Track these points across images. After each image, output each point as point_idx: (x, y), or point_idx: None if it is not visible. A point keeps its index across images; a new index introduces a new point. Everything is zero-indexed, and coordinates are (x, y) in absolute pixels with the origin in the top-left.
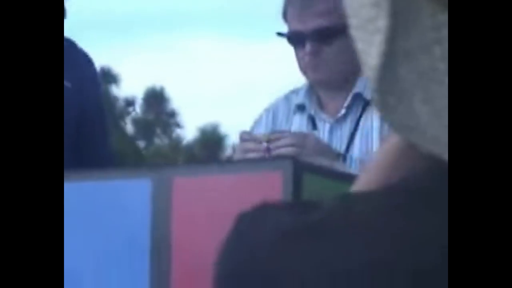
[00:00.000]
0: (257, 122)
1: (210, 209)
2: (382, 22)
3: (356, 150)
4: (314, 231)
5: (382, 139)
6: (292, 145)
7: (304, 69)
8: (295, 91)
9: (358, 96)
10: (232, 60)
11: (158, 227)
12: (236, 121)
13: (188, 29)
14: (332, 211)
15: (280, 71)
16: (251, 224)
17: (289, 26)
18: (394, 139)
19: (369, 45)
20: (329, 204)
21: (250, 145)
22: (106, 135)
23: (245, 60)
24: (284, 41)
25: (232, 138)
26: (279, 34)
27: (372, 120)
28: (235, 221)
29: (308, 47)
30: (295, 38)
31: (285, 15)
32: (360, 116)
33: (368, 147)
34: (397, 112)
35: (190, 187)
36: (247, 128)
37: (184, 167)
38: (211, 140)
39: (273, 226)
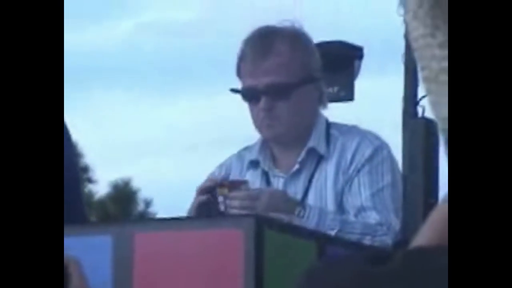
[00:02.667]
0: (210, 176)
1: (171, 266)
2: None
3: (311, 203)
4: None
5: (336, 193)
6: (245, 206)
7: (258, 126)
8: (248, 148)
9: (311, 151)
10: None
11: (119, 283)
12: (149, 175)
13: (99, 83)
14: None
15: (191, 126)
16: (323, 280)
17: (243, 82)
18: None
19: (442, 96)
20: (399, 257)
21: (202, 198)
22: (78, 190)
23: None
24: (187, 97)
25: (145, 192)
26: (233, 90)
27: (326, 175)
28: (304, 278)
29: (262, 103)
30: (249, 94)
31: (238, 71)
32: (314, 171)
33: (323, 201)
34: None
35: (152, 243)
36: (159, 181)
37: (146, 222)
38: (123, 195)
39: (350, 276)
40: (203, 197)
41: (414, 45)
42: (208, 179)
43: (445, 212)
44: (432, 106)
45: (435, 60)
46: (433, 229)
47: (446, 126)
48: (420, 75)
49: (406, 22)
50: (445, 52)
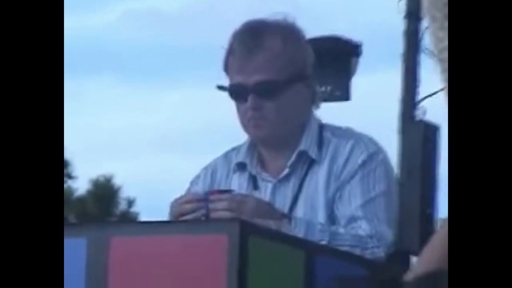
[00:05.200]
0: (194, 182)
1: (149, 272)
2: None
3: (300, 211)
4: None
5: (327, 200)
6: (230, 209)
7: (245, 125)
8: (235, 149)
9: (303, 154)
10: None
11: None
12: (131, 173)
13: (81, 73)
14: None
15: (177, 124)
16: None
17: (230, 78)
18: None
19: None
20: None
21: (187, 206)
22: None
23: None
24: (174, 92)
25: (127, 191)
26: (220, 87)
27: (318, 180)
28: None
29: (249, 101)
30: (236, 92)
31: (226, 67)
32: (305, 176)
33: (313, 208)
34: None
35: (129, 248)
36: (142, 180)
37: (123, 226)
38: (104, 193)
39: None
40: (188, 206)
41: (440, 56)
42: (189, 197)
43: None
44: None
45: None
46: (438, 253)
47: None
48: (443, 84)
49: (432, 32)
50: None
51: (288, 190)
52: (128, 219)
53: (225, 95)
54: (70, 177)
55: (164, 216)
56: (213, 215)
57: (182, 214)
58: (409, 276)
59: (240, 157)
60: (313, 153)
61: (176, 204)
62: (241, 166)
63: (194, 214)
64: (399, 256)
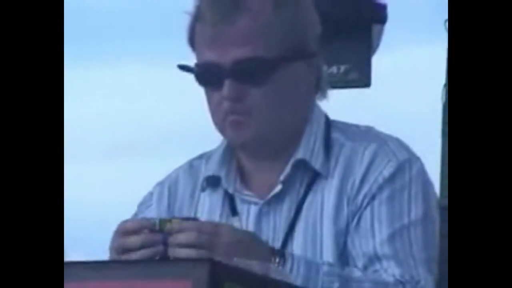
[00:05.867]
0: (144, 203)
1: None
2: None
3: (297, 247)
4: None
5: (337, 231)
6: (197, 243)
7: (219, 123)
8: (204, 156)
9: (301, 165)
10: None
11: None
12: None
13: None
14: None
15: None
16: None
17: (198, 55)
18: None
19: None
20: None
21: (134, 239)
22: None
23: None
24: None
25: None
26: (182, 67)
27: (323, 202)
28: None
29: (226, 88)
30: (207, 74)
31: (191, 39)
32: (305, 196)
33: (317, 243)
34: None
35: None
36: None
37: (72, 267)
38: None
39: None
40: (135, 239)
41: None
42: (137, 224)
43: None
44: None
45: None
46: None
47: None
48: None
49: None
50: None
51: (281, 217)
52: None
53: (189, 78)
54: None
55: (100, 251)
56: (172, 252)
57: (127, 250)
58: None
59: (211, 169)
60: (316, 163)
61: (119, 234)
62: (213, 181)
63: (145, 250)
64: None
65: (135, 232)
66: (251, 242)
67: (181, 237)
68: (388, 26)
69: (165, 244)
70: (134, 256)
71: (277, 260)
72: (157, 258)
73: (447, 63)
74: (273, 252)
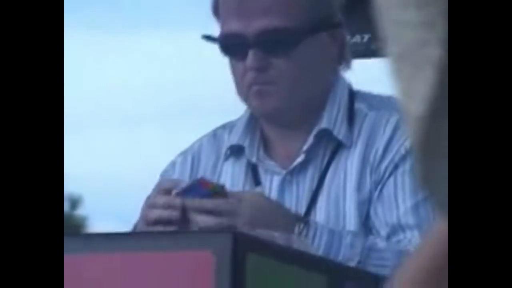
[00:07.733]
0: (166, 172)
1: None
2: (435, 51)
3: (320, 216)
4: None
5: (360, 201)
6: (218, 212)
7: (244, 93)
8: (227, 126)
9: (324, 135)
10: None
11: None
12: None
13: None
14: None
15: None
16: None
17: (223, 25)
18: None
19: (414, 81)
20: None
21: (157, 211)
22: None
23: None
24: (142, 44)
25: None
26: (207, 37)
27: (346, 172)
28: None
29: (250, 58)
30: (231, 44)
31: (216, 9)
32: (328, 165)
33: (339, 214)
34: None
35: (82, 269)
36: (89, 170)
37: (82, 240)
38: None
39: None
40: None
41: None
42: (166, 182)
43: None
44: (401, 95)
45: (414, 30)
46: None
47: (419, 129)
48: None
49: None
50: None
51: (304, 186)
52: (73, 226)
53: (214, 48)
54: None
55: (121, 217)
56: (196, 222)
57: (157, 221)
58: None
59: (235, 138)
60: (340, 133)
61: (147, 205)
62: (237, 151)
63: (160, 211)
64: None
65: (158, 202)
66: (274, 211)
67: (203, 205)
68: None
69: (185, 212)
70: (152, 215)
71: (300, 227)
72: (173, 222)
73: None
74: (297, 219)
